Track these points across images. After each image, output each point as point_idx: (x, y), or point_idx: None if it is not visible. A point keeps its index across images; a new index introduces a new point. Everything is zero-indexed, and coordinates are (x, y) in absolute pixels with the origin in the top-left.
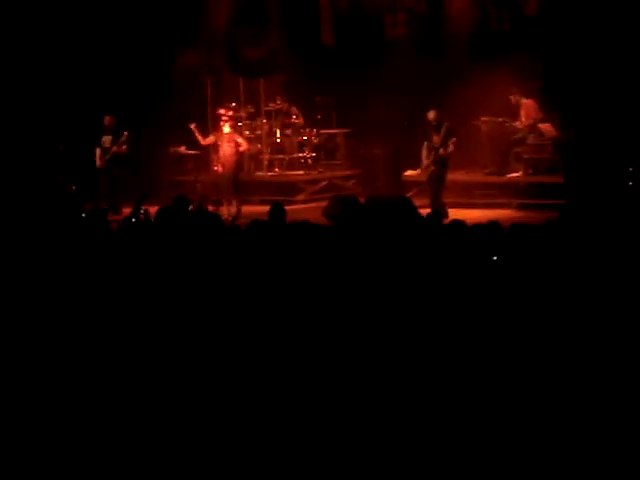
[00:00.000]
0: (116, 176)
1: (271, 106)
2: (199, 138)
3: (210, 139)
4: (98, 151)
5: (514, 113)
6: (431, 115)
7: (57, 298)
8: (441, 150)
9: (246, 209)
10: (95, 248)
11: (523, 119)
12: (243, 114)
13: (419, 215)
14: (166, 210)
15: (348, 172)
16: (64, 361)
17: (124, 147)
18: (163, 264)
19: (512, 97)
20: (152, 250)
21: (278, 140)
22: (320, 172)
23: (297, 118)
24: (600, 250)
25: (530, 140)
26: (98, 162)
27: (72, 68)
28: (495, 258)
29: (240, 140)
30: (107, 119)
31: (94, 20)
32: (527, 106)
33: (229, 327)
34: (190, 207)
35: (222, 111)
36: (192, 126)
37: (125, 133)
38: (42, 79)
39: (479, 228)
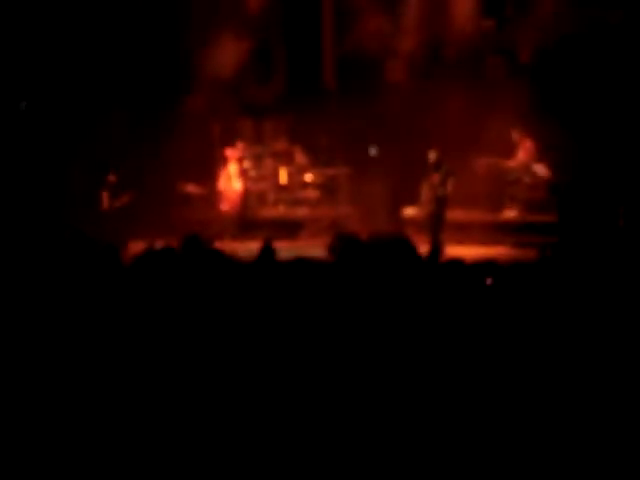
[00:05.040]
0: (123, 218)
1: (276, 146)
2: (221, 182)
3: (223, 180)
4: (105, 194)
5: (509, 153)
6: (432, 155)
7: (67, 334)
8: (440, 189)
9: (251, 246)
10: (107, 284)
11: (520, 157)
12: (249, 154)
13: (417, 253)
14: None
15: (350, 210)
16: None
17: (126, 198)
18: (169, 301)
19: (514, 133)
20: (162, 286)
21: (282, 180)
22: (323, 210)
23: (300, 158)
24: (591, 287)
25: (525, 180)
26: (105, 205)
27: (81, 110)
28: (489, 282)
29: (243, 182)
30: (111, 179)
31: (103, 62)
32: (526, 146)
33: (229, 359)
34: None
35: (229, 152)
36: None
37: (127, 198)
38: (54, 115)
39: (475, 266)
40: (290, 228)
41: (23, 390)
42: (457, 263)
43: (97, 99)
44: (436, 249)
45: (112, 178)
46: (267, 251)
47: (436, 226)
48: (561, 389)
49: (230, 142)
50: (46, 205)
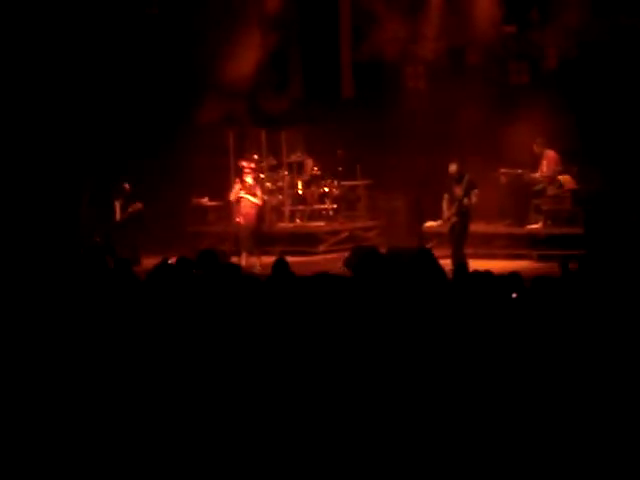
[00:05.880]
0: (135, 228)
1: (292, 158)
2: (233, 193)
3: (235, 192)
4: (117, 205)
5: (533, 164)
6: (453, 167)
7: (81, 348)
8: (464, 201)
9: (267, 260)
10: (122, 298)
11: (544, 169)
12: (265, 166)
13: (440, 267)
14: (191, 263)
15: (369, 223)
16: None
17: (138, 205)
18: (184, 315)
19: (536, 146)
20: (175, 301)
21: (299, 191)
22: (341, 223)
23: (314, 170)
24: (619, 301)
25: (549, 191)
26: (118, 216)
27: (96, 121)
28: (514, 296)
29: (258, 193)
30: (126, 186)
31: (118, 72)
32: (549, 157)
33: (246, 376)
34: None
35: (244, 163)
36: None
37: (139, 205)
38: (67, 128)
39: (500, 279)
40: (307, 241)
41: (36, 397)
42: (482, 277)
43: (112, 108)
44: (461, 263)
45: (126, 187)
46: (281, 267)
47: (458, 239)
48: (585, 400)
49: (245, 153)
50: (61, 216)
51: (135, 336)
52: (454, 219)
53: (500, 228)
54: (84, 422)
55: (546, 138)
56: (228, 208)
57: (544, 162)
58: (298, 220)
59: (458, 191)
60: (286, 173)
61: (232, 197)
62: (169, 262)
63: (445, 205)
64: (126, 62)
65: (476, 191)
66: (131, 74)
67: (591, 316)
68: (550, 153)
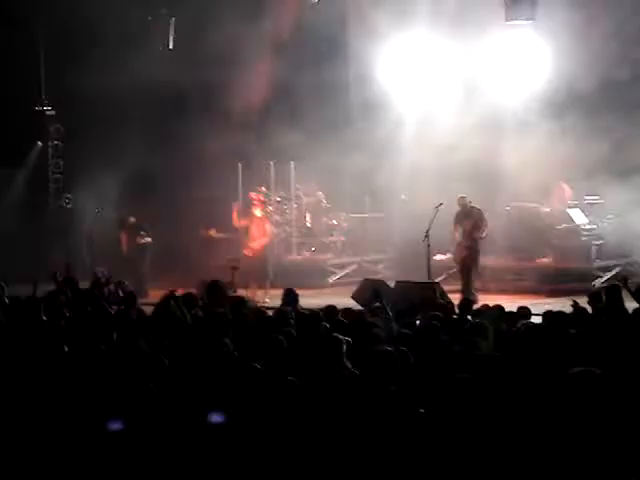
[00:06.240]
0: (142, 261)
1: (300, 190)
2: (234, 218)
3: (244, 222)
4: (124, 238)
5: (545, 197)
6: (461, 201)
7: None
8: (474, 235)
9: (275, 292)
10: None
11: (555, 203)
12: (273, 198)
13: (447, 300)
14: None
15: (378, 256)
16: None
17: (148, 239)
18: (188, 346)
19: (550, 179)
20: (181, 333)
21: (308, 224)
22: (349, 255)
23: (323, 202)
24: (631, 336)
25: (559, 225)
26: (124, 249)
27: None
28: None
29: (267, 227)
30: (132, 219)
31: (125, 105)
32: (562, 190)
33: (248, 407)
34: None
35: (253, 195)
36: (235, 206)
37: (149, 239)
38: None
39: (510, 314)
40: (315, 274)
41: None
42: (490, 311)
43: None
44: (468, 297)
45: (132, 220)
46: (290, 296)
47: (468, 273)
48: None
49: (254, 185)
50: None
51: (137, 369)
52: (464, 253)
53: (510, 262)
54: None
55: (558, 172)
56: (236, 240)
57: (556, 195)
58: (306, 252)
59: (467, 225)
60: (295, 205)
61: (237, 224)
62: (176, 294)
63: (455, 238)
64: (133, 98)
65: (485, 225)
66: (140, 108)
67: (601, 351)
68: (564, 186)
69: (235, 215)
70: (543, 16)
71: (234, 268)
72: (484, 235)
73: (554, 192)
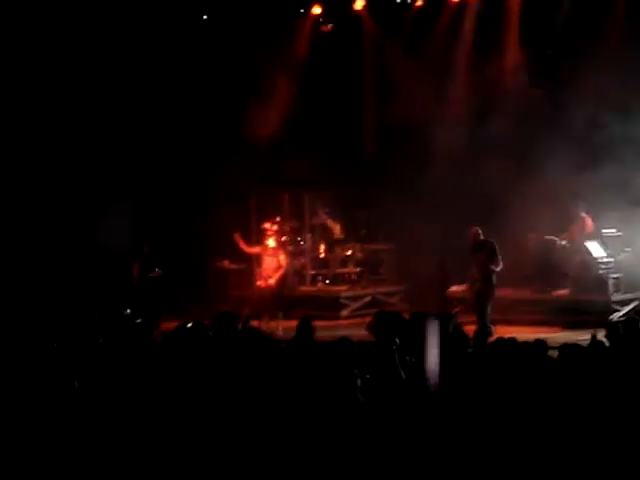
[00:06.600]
0: (154, 292)
1: (315, 220)
2: (242, 245)
3: (255, 249)
4: (136, 267)
5: (559, 229)
6: (475, 232)
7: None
8: (489, 267)
9: (288, 324)
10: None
11: (574, 233)
12: (287, 228)
13: (464, 332)
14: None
15: (392, 288)
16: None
17: (159, 272)
18: (204, 378)
19: (572, 207)
20: (195, 364)
21: (322, 255)
22: (364, 287)
23: (340, 232)
24: None
25: (577, 258)
26: (135, 279)
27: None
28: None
29: (281, 258)
30: (146, 248)
31: (137, 134)
32: (583, 221)
33: (263, 438)
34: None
35: (267, 225)
36: (236, 236)
37: (160, 272)
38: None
39: (526, 346)
40: (329, 306)
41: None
42: (506, 343)
43: (132, 169)
44: (483, 329)
45: (146, 249)
46: (304, 330)
47: (483, 305)
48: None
49: (267, 216)
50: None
51: (151, 399)
52: (479, 285)
53: (526, 294)
54: None
55: (577, 203)
56: (249, 271)
57: (576, 225)
58: (320, 284)
59: (482, 256)
60: (309, 236)
61: (247, 249)
62: (187, 326)
63: (470, 270)
64: (144, 125)
65: (499, 256)
66: (151, 136)
67: (619, 385)
68: (586, 217)
69: (242, 243)
70: None
71: (246, 299)
72: (499, 268)
73: (576, 222)
